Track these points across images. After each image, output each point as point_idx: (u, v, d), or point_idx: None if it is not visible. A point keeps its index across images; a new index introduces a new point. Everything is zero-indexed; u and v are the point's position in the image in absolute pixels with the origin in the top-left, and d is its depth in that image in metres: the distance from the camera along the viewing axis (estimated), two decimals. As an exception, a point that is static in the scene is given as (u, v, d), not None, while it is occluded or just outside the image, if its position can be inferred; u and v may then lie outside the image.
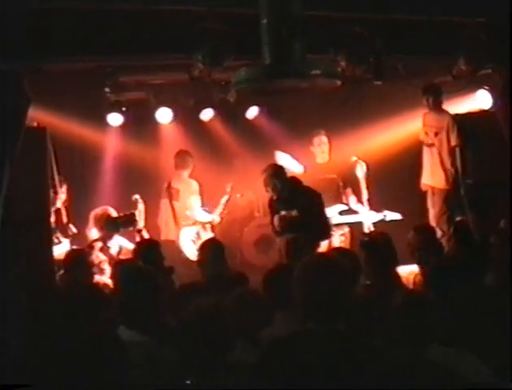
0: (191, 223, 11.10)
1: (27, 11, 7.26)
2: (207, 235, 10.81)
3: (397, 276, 6.59)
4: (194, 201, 11.20)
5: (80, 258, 7.93)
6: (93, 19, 7.70)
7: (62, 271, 7.88)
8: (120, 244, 9.69)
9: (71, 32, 7.64)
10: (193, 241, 10.85)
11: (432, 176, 10.30)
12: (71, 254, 8.33)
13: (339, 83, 7.03)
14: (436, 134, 10.27)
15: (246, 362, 4.22)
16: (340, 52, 7.73)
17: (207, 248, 7.65)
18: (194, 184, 11.29)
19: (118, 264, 7.21)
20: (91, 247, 8.90)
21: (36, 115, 8.48)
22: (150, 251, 7.81)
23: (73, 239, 9.50)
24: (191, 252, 10.55)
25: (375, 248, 6.60)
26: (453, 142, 10.14)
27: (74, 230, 9.58)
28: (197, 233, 11.02)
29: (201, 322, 4.28)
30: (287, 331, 4.24)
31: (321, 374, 3.76)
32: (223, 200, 11.20)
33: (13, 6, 7.16)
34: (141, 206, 10.29)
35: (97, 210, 9.91)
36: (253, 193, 11.71)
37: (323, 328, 3.89)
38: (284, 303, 4.96)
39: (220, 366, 4.23)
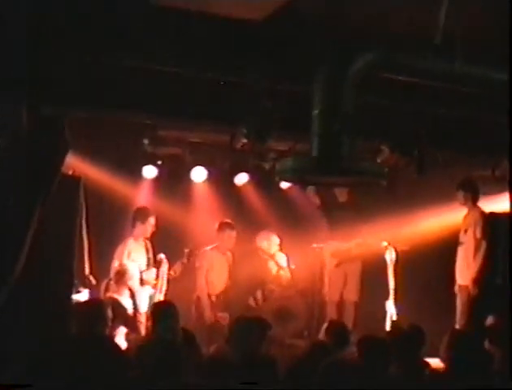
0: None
1: (77, 63, 7.31)
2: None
3: None
4: None
5: (98, 309, 7.83)
6: (142, 76, 7.74)
7: (79, 321, 7.76)
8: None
9: (120, 86, 7.69)
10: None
11: (459, 274, 10.15)
12: (89, 304, 8.27)
13: (384, 183, 6.95)
14: (466, 231, 10.14)
15: None
16: (385, 142, 7.69)
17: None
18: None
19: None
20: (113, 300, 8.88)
21: (71, 161, 8.47)
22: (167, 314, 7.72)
23: (92, 290, 9.41)
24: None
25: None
26: (478, 236, 9.98)
27: (93, 282, 9.49)
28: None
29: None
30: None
31: None
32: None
33: (66, 57, 7.20)
34: (165, 267, 10.22)
35: (118, 266, 9.84)
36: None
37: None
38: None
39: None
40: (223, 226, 11.10)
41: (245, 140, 7.63)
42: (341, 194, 11.55)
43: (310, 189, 11.62)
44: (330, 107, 6.59)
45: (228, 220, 11.19)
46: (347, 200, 11.54)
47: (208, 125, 8.71)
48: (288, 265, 11.43)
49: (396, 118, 7.85)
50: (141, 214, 10.48)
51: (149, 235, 10.54)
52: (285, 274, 11.39)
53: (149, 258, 10.39)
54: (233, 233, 11.10)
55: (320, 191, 11.63)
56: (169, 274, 10.29)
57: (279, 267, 11.35)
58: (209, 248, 11.09)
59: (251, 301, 11.18)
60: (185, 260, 10.63)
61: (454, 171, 10.18)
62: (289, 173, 6.89)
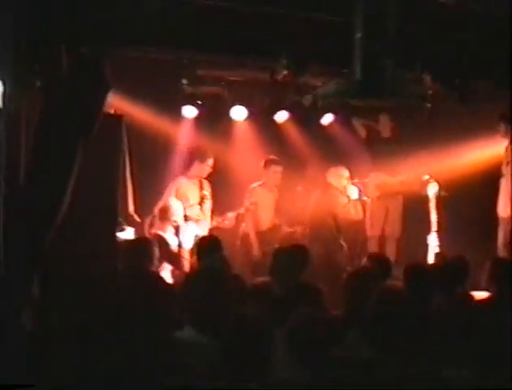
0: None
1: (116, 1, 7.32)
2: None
3: None
4: None
5: (145, 247, 7.91)
6: (180, 13, 7.71)
7: (126, 258, 7.84)
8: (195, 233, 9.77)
9: (156, 22, 7.67)
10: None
11: (501, 206, 10.11)
12: (136, 241, 8.39)
13: (428, 105, 6.89)
14: (508, 163, 10.07)
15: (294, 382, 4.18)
16: (427, 71, 7.59)
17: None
18: None
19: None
20: (158, 237, 8.97)
21: (112, 101, 8.49)
22: (212, 247, 7.79)
23: (136, 227, 9.51)
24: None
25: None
26: None
27: (138, 219, 9.59)
28: None
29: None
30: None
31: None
32: None
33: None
34: (208, 203, 10.29)
35: (161, 203, 9.93)
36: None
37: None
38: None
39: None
40: (268, 162, 11.11)
41: (285, 72, 7.58)
42: (385, 129, 11.49)
43: (357, 121, 11.59)
44: (372, 30, 6.51)
45: (274, 157, 11.20)
46: (390, 135, 11.48)
47: (248, 61, 8.67)
48: (361, 197, 11.29)
49: (438, 46, 7.72)
50: (200, 154, 10.57)
51: (205, 175, 10.65)
52: (356, 206, 11.21)
53: (202, 197, 10.51)
54: (279, 169, 11.09)
55: (365, 123, 11.61)
56: (223, 222, 10.40)
57: (350, 200, 11.20)
58: (256, 185, 11.12)
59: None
60: (243, 211, 10.70)
61: (496, 103, 10.06)
62: (333, 97, 6.85)
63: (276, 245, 9.74)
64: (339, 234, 10.97)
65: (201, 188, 10.58)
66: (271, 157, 11.18)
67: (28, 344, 5.30)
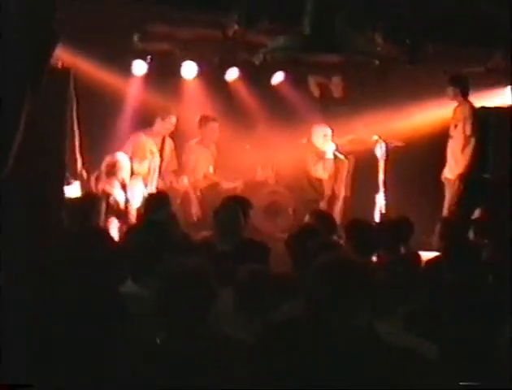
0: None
1: None
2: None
3: None
4: None
5: (93, 202, 7.87)
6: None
7: (74, 214, 7.75)
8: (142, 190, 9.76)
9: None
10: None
11: (448, 168, 10.22)
12: (84, 197, 8.34)
13: (377, 62, 6.89)
14: (456, 126, 10.17)
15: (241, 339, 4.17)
16: (378, 30, 7.60)
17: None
18: None
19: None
20: (106, 193, 8.90)
21: (61, 54, 8.36)
22: (160, 203, 7.76)
23: (83, 183, 9.43)
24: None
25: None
26: (468, 132, 10.02)
27: (85, 175, 9.51)
28: None
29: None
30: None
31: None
32: None
33: None
34: (156, 159, 10.23)
35: (109, 158, 9.85)
36: (269, 160, 11.52)
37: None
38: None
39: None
40: (204, 119, 11.06)
41: (236, 27, 7.54)
42: (337, 89, 11.52)
43: (311, 80, 11.59)
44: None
45: (209, 113, 11.16)
46: (342, 95, 11.50)
47: (199, 17, 8.59)
48: (336, 156, 11.23)
49: (390, 5, 7.73)
50: (163, 112, 10.54)
51: (167, 133, 10.61)
52: (326, 165, 11.21)
53: (152, 154, 10.49)
54: (215, 125, 11.04)
55: (320, 81, 11.61)
56: (178, 185, 10.37)
57: (321, 159, 11.18)
58: (193, 142, 11.07)
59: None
60: (200, 178, 10.63)
61: (447, 66, 10.13)
62: (281, 50, 6.79)
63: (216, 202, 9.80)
64: (315, 193, 11.03)
65: (162, 145, 10.53)
66: (207, 113, 11.14)
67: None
